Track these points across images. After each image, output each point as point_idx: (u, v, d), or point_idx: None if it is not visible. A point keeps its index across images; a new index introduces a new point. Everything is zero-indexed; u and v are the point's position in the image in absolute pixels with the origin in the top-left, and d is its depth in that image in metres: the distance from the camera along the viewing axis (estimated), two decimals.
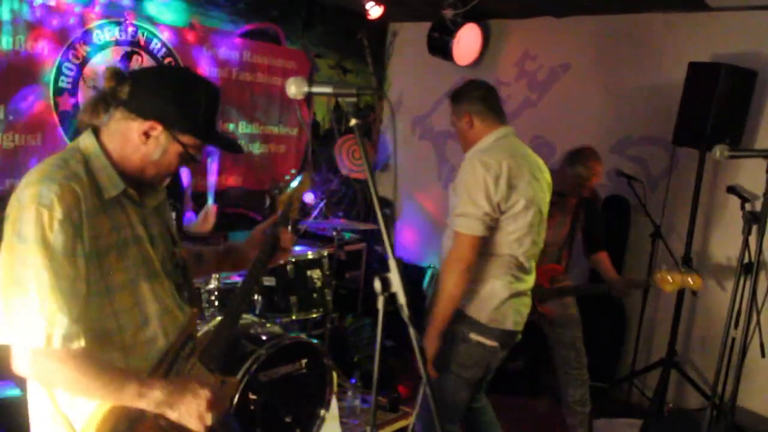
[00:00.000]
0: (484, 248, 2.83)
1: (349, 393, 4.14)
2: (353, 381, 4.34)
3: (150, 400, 1.66)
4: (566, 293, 3.91)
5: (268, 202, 4.86)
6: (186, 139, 1.77)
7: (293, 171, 2.59)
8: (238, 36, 5.05)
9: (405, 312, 1.79)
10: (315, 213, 4.94)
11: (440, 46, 5.43)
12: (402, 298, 1.77)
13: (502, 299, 2.90)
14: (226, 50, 4.96)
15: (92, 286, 1.66)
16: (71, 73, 4.09)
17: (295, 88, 1.82)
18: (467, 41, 5.46)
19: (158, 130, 1.73)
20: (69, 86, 4.10)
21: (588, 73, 5.18)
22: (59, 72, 4.03)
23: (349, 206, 6.02)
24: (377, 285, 1.79)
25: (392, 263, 1.77)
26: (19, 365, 1.63)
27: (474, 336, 2.90)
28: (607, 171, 4.95)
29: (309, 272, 3.92)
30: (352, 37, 5.97)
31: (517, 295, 2.95)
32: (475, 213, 2.76)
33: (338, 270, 4.38)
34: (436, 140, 6.12)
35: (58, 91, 4.05)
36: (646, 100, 4.86)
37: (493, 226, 2.81)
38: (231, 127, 5.10)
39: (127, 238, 1.77)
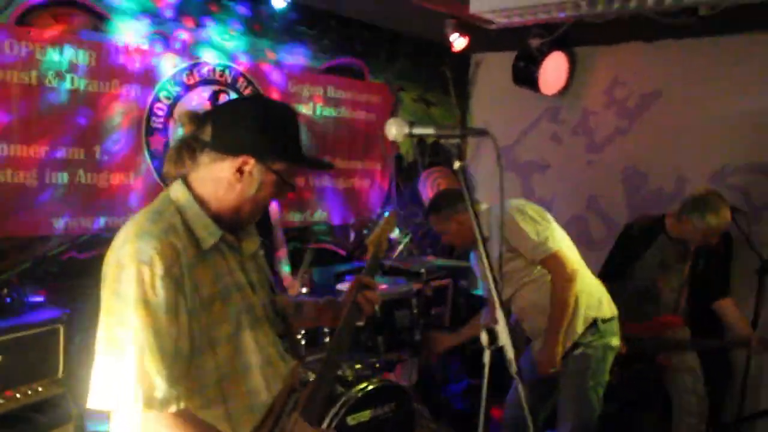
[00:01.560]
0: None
1: None
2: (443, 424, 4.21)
3: None
4: (684, 347, 3.71)
5: (353, 236, 4.82)
6: (279, 166, 1.72)
7: (378, 209, 2.54)
8: (322, 72, 5.07)
9: (513, 367, 1.68)
10: (400, 248, 4.87)
11: (526, 75, 5.31)
12: (510, 353, 1.67)
13: None
14: (310, 86, 4.99)
15: (196, 342, 1.62)
16: (162, 113, 4.17)
17: (396, 130, 1.76)
18: (553, 70, 5.33)
19: (251, 164, 1.68)
20: (160, 126, 4.18)
21: (681, 99, 4.96)
22: (151, 113, 4.11)
23: (433, 241, 5.92)
24: (484, 338, 1.69)
25: (500, 315, 1.68)
26: (121, 426, 1.60)
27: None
28: None
29: (397, 311, 3.85)
30: (435, 70, 5.93)
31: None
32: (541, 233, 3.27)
33: (425, 307, 4.27)
34: (522, 171, 5.97)
35: (149, 131, 4.13)
36: (747, 126, 4.61)
37: None
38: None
39: (229, 286, 1.72)
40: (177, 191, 1.71)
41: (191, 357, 1.61)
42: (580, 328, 3.30)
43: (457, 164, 1.76)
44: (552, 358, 3.24)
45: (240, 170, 1.68)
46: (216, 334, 1.67)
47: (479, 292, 5.84)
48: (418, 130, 1.76)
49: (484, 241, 1.74)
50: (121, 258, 1.56)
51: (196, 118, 1.72)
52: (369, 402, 3.26)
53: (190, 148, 1.71)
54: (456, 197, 3.48)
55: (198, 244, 1.66)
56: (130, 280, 1.53)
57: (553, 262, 3.23)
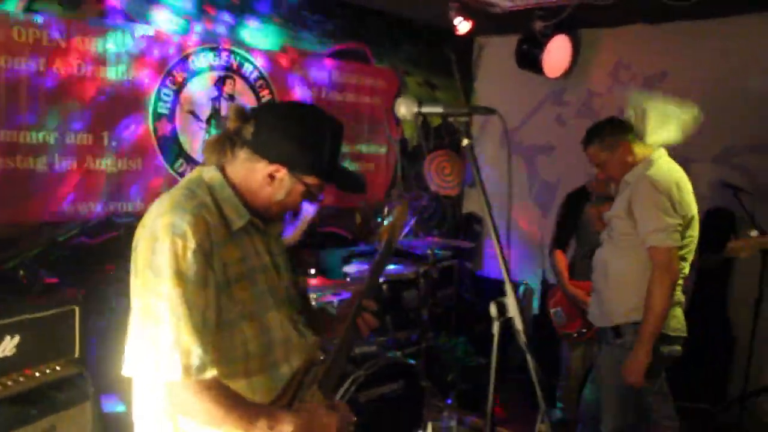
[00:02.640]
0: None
1: (445, 414, 4.06)
2: (449, 401, 4.26)
3: (284, 429, 1.65)
4: None
5: (358, 219, 4.86)
6: (310, 180, 1.77)
7: (384, 192, 2.54)
8: (327, 56, 5.10)
9: (522, 338, 1.72)
10: (405, 231, 4.90)
11: (530, 58, 5.33)
12: (519, 324, 1.71)
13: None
14: (315, 71, 5.01)
15: (222, 315, 1.67)
16: (169, 99, 4.20)
17: (404, 109, 1.80)
18: (557, 52, 5.33)
19: (283, 173, 1.73)
20: (167, 112, 4.21)
21: (686, 80, 4.97)
22: (158, 99, 4.15)
23: (439, 223, 5.97)
24: (493, 310, 1.73)
25: (508, 288, 1.72)
26: (152, 398, 1.64)
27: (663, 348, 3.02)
28: (710, 182, 4.74)
29: (404, 292, 3.89)
30: (439, 54, 5.95)
31: (678, 303, 3.10)
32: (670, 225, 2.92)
33: (431, 288, 4.31)
34: (527, 154, 6.00)
35: (157, 117, 4.17)
36: (752, 106, 4.63)
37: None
38: None
39: (255, 267, 1.78)
40: (210, 173, 1.76)
41: (217, 330, 1.66)
42: (627, 315, 3.06)
43: (465, 141, 1.80)
44: (637, 368, 2.93)
45: (272, 175, 1.74)
46: (241, 311, 1.72)
47: (486, 273, 5.91)
48: (427, 108, 1.79)
49: (493, 220, 1.77)
50: (156, 230, 1.61)
51: (243, 115, 1.76)
52: (378, 380, 3.31)
53: (231, 141, 1.75)
54: (621, 125, 3.19)
55: (227, 225, 1.71)
56: (164, 251, 1.58)
57: (659, 257, 2.91)
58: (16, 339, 2.52)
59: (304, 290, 2.05)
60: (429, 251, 4.35)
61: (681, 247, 2.97)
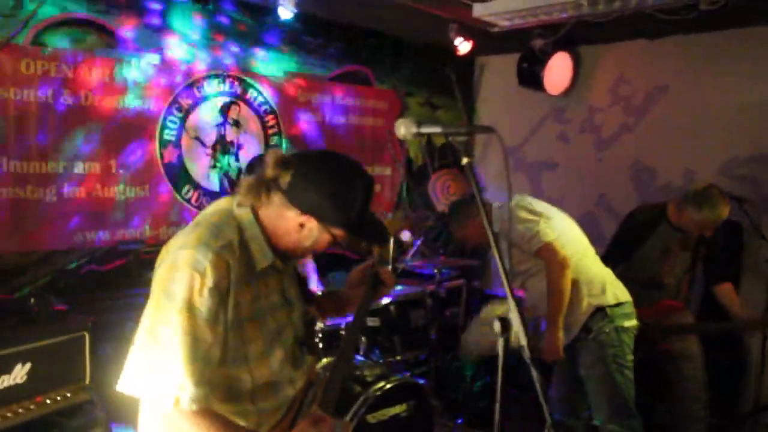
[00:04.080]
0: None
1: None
2: (460, 421, 4.25)
3: None
4: (687, 331, 3.74)
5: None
6: (338, 232, 1.84)
7: (390, 213, 2.60)
8: (329, 80, 5.15)
9: (527, 353, 1.73)
10: (413, 251, 4.92)
11: (530, 76, 5.36)
12: (524, 339, 1.72)
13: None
14: (319, 95, 5.07)
15: (230, 353, 1.73)
16: (175, 126, 4.25)
17: (404, 129, 1.82)
18: (558, 70, 5.38)
19: (313, 223, 1.80)
20: (173, 139, 4.26)
21: (687, 94, 5.01)
22: (165, 125, 4.20)
23: (445, 242, 5.98)
24: (497, 326, 1.74)
25: (512, 303, 1.73)
26: (148, 420, 1.67)
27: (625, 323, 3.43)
28: None
29: (412, 312, 3.90)
30: (440, 74, 6.00)
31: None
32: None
33: (438, 307, 4.32)
34: (530, 171, 6.02)
35: (164, 144, 4.22)
36: (754, 117, 4.65)
37: None
38: None
39: (265, 308, 1.84)
40: (242, 213, 1.82)
41: (223, 365, 1.72)
42: (583, 315, 3.41)
43: (465, 160, 1.82)
44: (554, 346, 3.36)
45: (302, 224, 1.81)
46: (250, 352, 1.79)
47: (493, 291, 5.89)
48: (426, 129, 1.82)
49: (495, 237, 1.80)
50: (178, 260, 1.67)
51: (282, 163, 1.81)
52: (388, 401, 3.30)
53: (268, 187, 1.82)
54: (467, 204, 3.63)
55: (250, 264, 1.78)
56: (181, 282, 1.64)
57: (546, 253, 3.34)
58: (28, 366, 2.54)
59: (312, 320, 2.10)
60: (436, 271, 4.36)
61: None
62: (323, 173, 1.80)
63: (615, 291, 3.49)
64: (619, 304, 3.45)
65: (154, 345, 1.63)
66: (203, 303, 1.64)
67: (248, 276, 1.76)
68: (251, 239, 1.79)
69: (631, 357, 3.42)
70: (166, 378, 1.61)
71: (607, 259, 4.02)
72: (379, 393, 3.21)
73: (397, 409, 3.38)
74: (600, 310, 3.41)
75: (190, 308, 1.63)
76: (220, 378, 1.71)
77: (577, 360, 3.53)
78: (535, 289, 3.54)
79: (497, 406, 1.86)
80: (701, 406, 3.87)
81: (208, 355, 1.66)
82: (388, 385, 3.28)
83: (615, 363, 3.39)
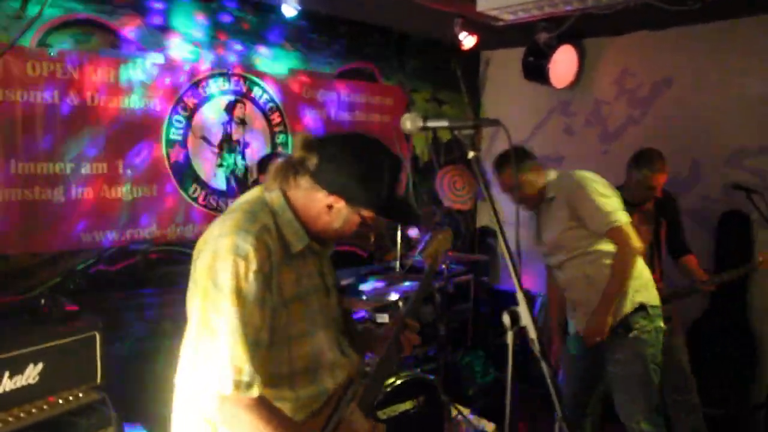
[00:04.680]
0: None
1: (465, 427, 4.06)
2: (471, 416, 4.25)
3: None
4: (665, 301, 3.73)
5: (372, 239, 4.88)
6: (366, 213, 1.85)
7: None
8: (335, 77, 5.15)
9: (536, 346, 1.73)
10: (421, 247, 4.91)
11: (536, 70, 5.35)
12: (533, 332, 1.72)
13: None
14: (324, 92, 5.07)
15: (276, 335, 1.75)
16: (181, 126, 4.26)
17: (410, 124, 1.83)
18: (563, 63, 5.37)
19: (341, 204, 1.81)
20: (180, 138, 4.27)
21: (693, 85, 4.98)
22: (170, 125, 4.21)
23: (453, 238, 5.97)
24: (506, 319, 1.74)
25: (520, 296, 1.73)
26: (205, 408, 1.70)
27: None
28: (722, 185, 4.73)
29: (421, 307, 3.90)
30: (446, 69, 5.99)
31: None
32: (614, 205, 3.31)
33: (447, 303, 4.32)
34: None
35: (170, 144, 4.23)
36: (761, 108, 4.62)
37: None
38: None
39: (309, 289, 1.86)
40: (273, 195, 1.84)
41: (269, 348, 1.73)
42: (627, 308, 3.33)
43: (471, 154, 1.82)
44: (601, 327, 3.28)
45: (330, 206, 1.82)
46: (293, 332, 1.80)
47: (502, 286, 5.89)
48: (432, 123, 1.82)
49: (501, 225, 1.80)
50: (219, 249, 1.68)
51: (308, 145, 1.83)
52: (398, 397, 3.32)
53: (295, 170, 1.83)
54: (525, 154, 3.58)
55: (286, 247, 1.80)
56: (226, 270, 1.65)
57: (620, 235, 3.25)
58: (40, 366, 2.56)
59: (348, 311, 2.12)
60: (444, 266, 4.36)
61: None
62: (350, 154, 1.81)
63: (654, 291, 3.44)
64: (657, 306, 3.41)
65: (209, 335, 1.65)
66: (250, 287, 1.66)
67: (287, 258, 1.78)
68: (285, 222, 1.81)
69: (660, 358, 3.39)
70: (226, 365, 1.63)
71: None
72: (389, 389, 3.22)
73: (407, 405, 3.39)
74: (643, 308, 3.34)
75: (239, 294, 1.65)
76: (261, 360, 1.71)
77: (605, 355, 3.43)
78: (572, 272, 3.45)
79: (507, 399, 1.86)
80: (691, 396, 3.93)
81: (258, 339, 1.68)
82: (398, 381, 3.29)
83: (653, 363, 3.34)
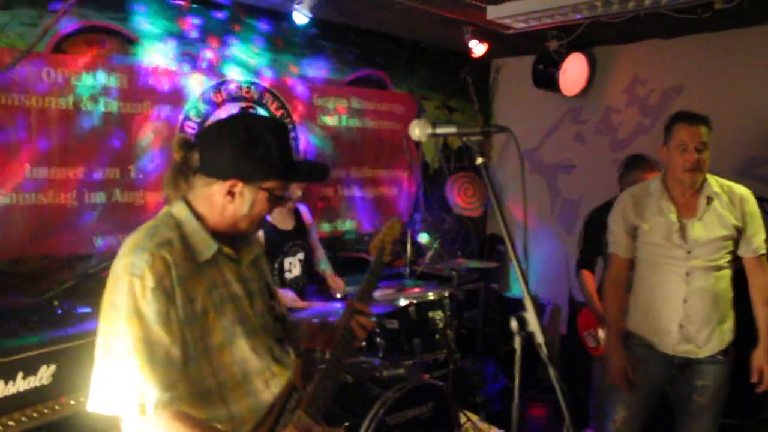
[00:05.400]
0: None
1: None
2: (479, 423, 4.25)
3: None
4: None
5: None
6: (269, 184, 1.78)
7: (407, 215, 2.59)
8: (345, 84, 5.19)
9: (544, 351, 1.74)
10: (430, 253, 4.93)
11: (546, 78, 5.38)
12: (540, 337, 1.73)
13: None
14: (335, 98, 5.10)
15: (190, 350, 1.69)
16: (192, 132, 4.30)
17: (419, 131, 1.84)
18: (573, 71, 5.38)
19: (240, 186, 1.74)
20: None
21: (703, 92, 4.98)
22: (181, 131, 4.24)
23: (462, 245, 5.99)
24: (513, 324, 1.75)
25: (528, 302, 1.74)
26: (123, 424, 1.68)
27: None
28: None
29: (431, 313, 3.90)
30: (456, 77, 6.02)
31: None
32: None
33: (457, 310, 4.33)
34: (548, 173, 6.02)
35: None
36: None
37: None
38: (342, 173, 5.23)
39: (224, 298, 1.78)
40: (177, 207, 1.79)
41: (186, 363, 1.68)
42: (730, 335, 3.14)
43: (479, 160, 1.83)
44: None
45: (231, 192, 1.75)
46: (210, 343, 1.74)
47: (512, 293, 5.89)
48: (441, 129, 1.84)
49: (509, 231, 1.81)
50: (118, 270, 1.64)
51: (185, 144, 1.78)
52: (407, 402, 3.31)
53: (182, 173, 1.79)
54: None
55: (194, 257, 1.73)
56: (123, 291, 1.60)
57: (765, 262, 3.05)
58: (53, 368, 2.58)
59: (281, 316, 2.02)
60: (453, 273, 4.36)
61: None
62: (227, 134, 1.75)
63: None
64: None
65: (110, 358, 1.60)
66: (149, 306, 1.60)
67: (195, 269, 1.71)
68: (191, 232, 1.74)
69: None
70: (128, 388, 1.58)
71: (583, 260, 4.08)
72: (399, 394, 3.22)
73: (417, 411, 3.39)
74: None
75: (137, 314, 1.59)
76: (186, 382, 1.67)
77: (692, 381, 3.10)
78: (701, 283, 3.05)
79: (515, 402, 1.87)
80: None
81: (168, 357, 1.62)
82: (408, 387, 3.29)
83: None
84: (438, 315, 3.93)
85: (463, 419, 3.89)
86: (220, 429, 1.71)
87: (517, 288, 6.15)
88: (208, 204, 1.77)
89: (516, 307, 5.59)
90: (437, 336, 3.93)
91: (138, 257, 1.62)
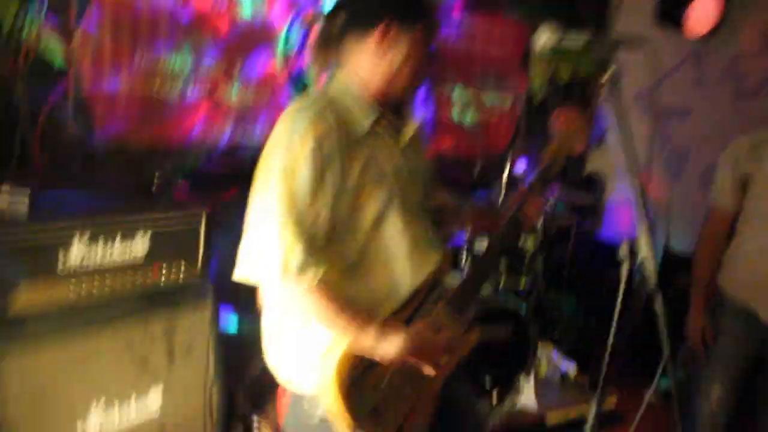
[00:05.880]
0: None
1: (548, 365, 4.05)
2: (555, 356, 4.21)
3: (390, 344, 1.63)
4: None
5: (477, 170, 4.80)
6: (419, 32, 1.75)
7: (505, 145, 2.45)
8: (455, 4, 5.02)
9: (651, 282, 1.63)
10: (527, 184, 4.79)
11: (671, 13, 5.02)
12: (651, 266, 1.61)
13: None
14: (443, 20, 4.94)
15: (340, 219, 1.65)
16: (298, 37, 4.26)
17: (546, 38, 1.74)
18: (703, 7, 4.99)
19: (393, 29, 1.70)
20: (296, 50, 4.27)
21: None
22: (288, 36, 4.21)
23: (560, 181, 5.80)
24: (624, 249, 1.65)
25: (643, 227, 1.63)
26: (265, 291, 1.69)
27: None
28: None
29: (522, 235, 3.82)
30: (573, 6, 5.71)
31: None
32: None
33: (549, 239, 4.21)
34: (659, 118, 5.70)
35: (286, 55, 4.24)
36: None
37: None
38: (447, 91, 5.13)
39: (385, 170, 1.73)
40: (328, 84, 1.78)
41: (334, 232, 1.65)
42: None
43: (605, 77, 1.70)
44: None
45: (383, 34, 1.71)
46: (362, 217, 1.70)
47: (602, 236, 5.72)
48: (570, 38, 1.72)
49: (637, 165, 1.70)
50: (277, 132, 1.65)
51: (329, 13, 1.78)
52: (488, 322, 3.28)
53: (331, 39, 1.77)
54: None
55: (354, 129, 1.70)
56: (281, 148, 1.60)
57: None
58: (147, 238, 2.59)
59: (441, 205, 1.99)
60: (551, 200, 4.23)
61: None
62: None
63: None
64: None
65: (258, 219, 1.60)
66: (306, 165, 1.57)
67: (357, 140, 1.68)
68: (348, 105, 1.72)
69: None
70: (274, 247, 1.55)
71: None
72: (481, 313, 3.19)
73: (494, 332, 3.36)
74: None
75: (291, 172, 1.57)
76: (332, 251, 1.65)
77: None
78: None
79: (609, 342, 1.74)
80: None
81: (317, 220, 1.60)
82: (491, 307, 3.25)
83: None
84: (530, 239, 3.86)
85: (540, 349, 3.85)
86: (359, 307, 1.68)
87: (608, 229, 5.95)
88: (360, 64, 1.74)
89: (605, 249, 5.41)
90: (526, 261, 3.87)
91: (299, 118, 1.61)
